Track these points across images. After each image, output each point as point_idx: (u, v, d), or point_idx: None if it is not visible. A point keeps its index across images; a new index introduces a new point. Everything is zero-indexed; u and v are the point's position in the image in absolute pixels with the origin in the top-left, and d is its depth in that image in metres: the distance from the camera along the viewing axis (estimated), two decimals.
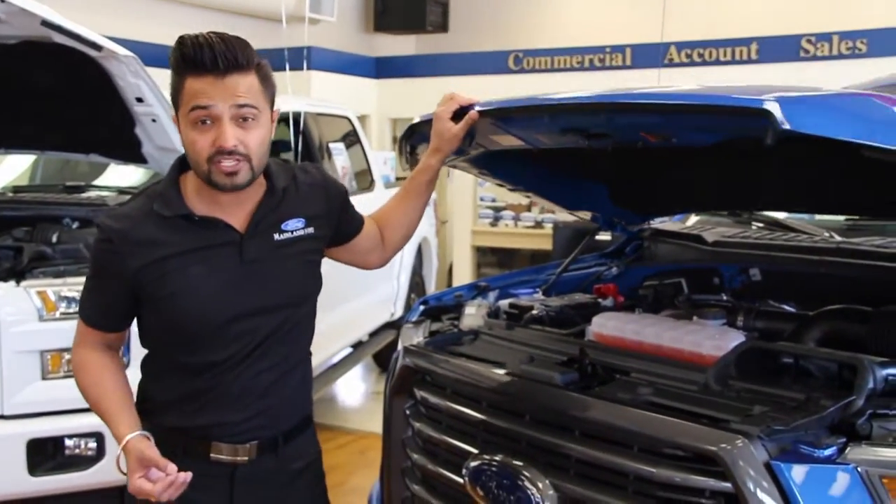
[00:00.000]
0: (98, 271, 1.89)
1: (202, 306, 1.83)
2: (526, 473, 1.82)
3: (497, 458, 1.89)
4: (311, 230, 1.97)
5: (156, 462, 1.75)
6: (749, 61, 8.23)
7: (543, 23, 10.60)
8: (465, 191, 10.29)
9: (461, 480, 1.96)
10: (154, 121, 3.65)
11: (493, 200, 10.69)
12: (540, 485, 1.80)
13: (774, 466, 1.50)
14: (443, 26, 11.23)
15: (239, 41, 1.78)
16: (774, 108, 1.46)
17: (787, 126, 1.45)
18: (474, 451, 1.96)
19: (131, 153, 3.90)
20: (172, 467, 1.75)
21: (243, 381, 1.88)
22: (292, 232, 1.94)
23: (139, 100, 3.56)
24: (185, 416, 1.89)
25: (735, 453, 1.52)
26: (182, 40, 1.76)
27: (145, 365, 1.98)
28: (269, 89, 1.84)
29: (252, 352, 1.88)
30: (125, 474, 1.79)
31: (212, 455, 1.89)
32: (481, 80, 9.62)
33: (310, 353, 2.05)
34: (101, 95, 3.58)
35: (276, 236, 1.91)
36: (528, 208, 11.00)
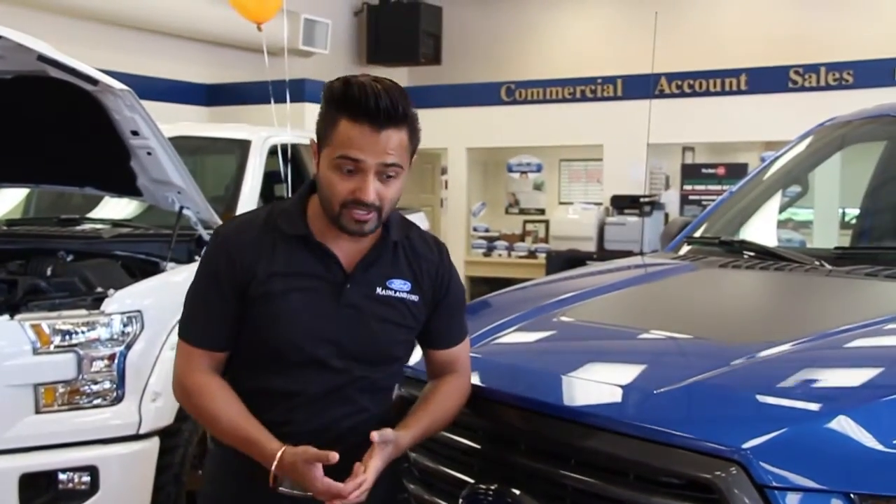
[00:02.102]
0: (209, 280, 1.85)
1: (295, 333, 1.82)
2: (522, 502, 1.82)
3: (493, 487, 1.89)
4: (415, 298, 1.91)
5: (323, 457, 1.71)
6: (738, 92, 8.32)
7: (535, 54, 10.72)
8: (459, 221, 10.33)
9: None
10: (149, 153, 3.66)
11: (487, 230, 10.73)
12: None
13: (769, 493, 1.51)
14: (435, 58, 11.33)
15: (400, 92, 1.77)
16: None
17: None
18: (470, 480, 1.96)
19: (126, 186, 3.91)
20: (334, 455, 1.71)
21: (318, 420, 1.84)
22: (395, 291, 1.89)
23: (135, 133, 3.57)
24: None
25: (730, 480, 1.53)
26: (349, 81, 1.74)
27: (239, 384, 1.91)
28: (415, 142, 1.84)
29: (329, 394, 1.85)
30: (294, 490, 1.77)
31: (280, 488, 1.80)
32: (474, 111, 9.70)
33: (388, 406, 1.99)
34: (96, 129, 3.59)
35: (380, 290, 1.87)
36: (522, 238, 11.04)
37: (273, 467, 1.75)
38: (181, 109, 9.23)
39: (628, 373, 1.90)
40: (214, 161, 5.06)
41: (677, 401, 1.69)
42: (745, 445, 1.55)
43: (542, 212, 11.48)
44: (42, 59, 3.25)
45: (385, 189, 1.78)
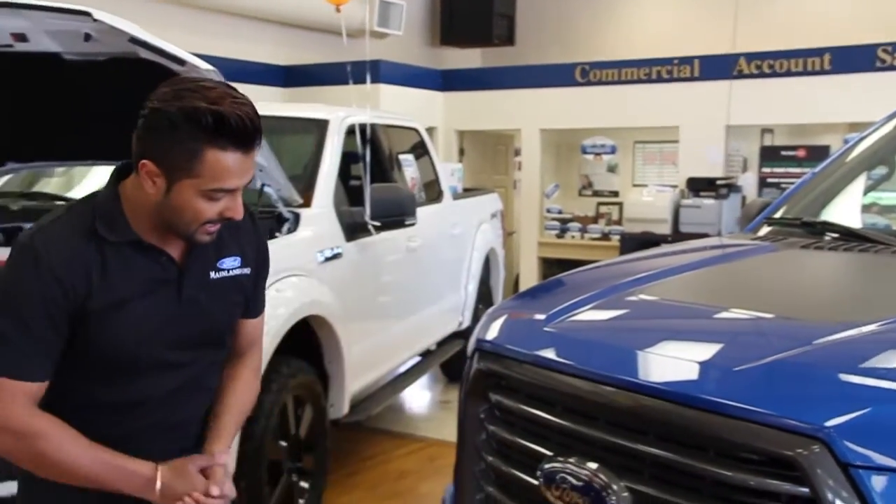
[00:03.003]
0: (29, 304, 1.67)
1: (141, 344, 1.77)
2: (601, 476, 1.85)
3: (571, 461, 1.92)
4: (247, 271, 1.93)
5: (195, 461, 1.86)
6: (822, 72, 8.11)
7: (611, 35, 10.61)
8: (532, 203, 10.31)
9: (536, 482, 1.99)
10: None
11: (560, 212, 10.69)
12: (615, 487, 1.82)
13: (853, 472, 1.51)
14: (509, 39, 11.29)
15: (252, 106, 1.71)
16: None
17: None
18: (549, 453, 1.99)
19: None
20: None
21: (176, 416, 1.89)
22: (228, 270, 1.89)
23: None
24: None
25: (813, 458, 1.53)
26: (220, 112, 1.63)
27: (54, 402, 1.77)
28: None
29: (183, 388, 1.87)
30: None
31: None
32: (548, 92, 9.65)
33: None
34: None
35: (213, 274, 1.87)
36: (595, 220, 10.97)
37: (158, 484, 1.78)
38: (258, 90, 9.39)
39: (709, 350, 1.91)
40: (292, 141, 5.15)
41: (759, 378, 1.69)
42: (829, 424, 1.54)
43: (615, 194, 11.38)
44: (133, 40, 3.36)
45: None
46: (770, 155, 8.95)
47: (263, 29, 9.90)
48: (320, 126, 4.92)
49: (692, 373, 1.81)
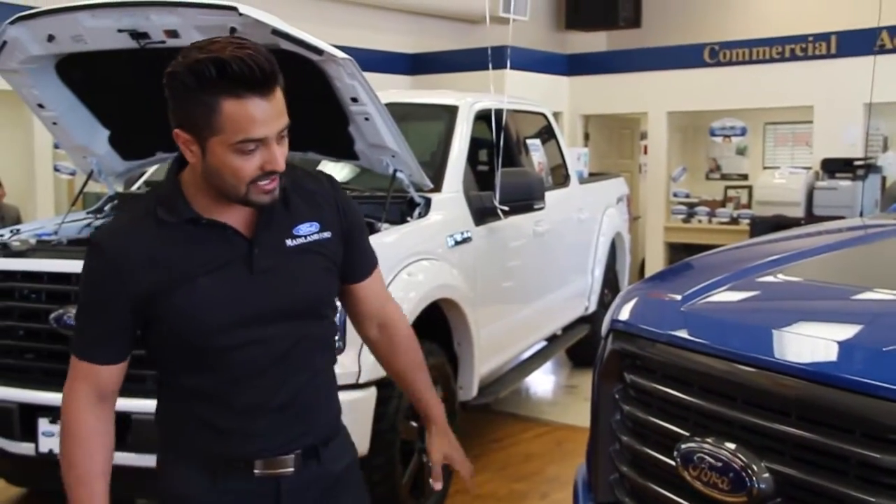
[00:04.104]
0: (94, 295, 1.75)
1: (214, 322, 1.72)
2: (740, 456, 1.84)
3: (709, 441, 1.92)
4: (327, 235, 1.84)
5: None
6: None
7: (740, 13, 10.32)
8: (658, 187, 10.16)
9: (672, 462, 2.00)
10: (367, 119, 3.88)
11: (687, 196, 10.50)
12: (755, 467, 1.81)
13: None
14: (635, 21, 11.15)
15: (258, 47, 1.65)
16: None
17: None
18: (685, 433, 1.99)
19: (344, 151, 4.16)
20: None
21: (281, 396, 1.80)
22: (306, 237, 1.81)
23: (354, 100, 3.79)
24: (221, 439, 1.80)
25: None
26: (219, 59, 1.59)
27: (163, 391, 1.87)
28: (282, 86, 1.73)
29: (278, 362, 1.78)
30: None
31: (256, 472, 1.81)
32: (675, 74, 9.48)
33: (335, 359, 1.99)
34: (318, 97, 3.83)
35: (290, 242, 1.79)
36: (723, 204, 10.73)
37: None
38: (386, 78, 9.57)
39: (852, 330, 1.88)
40: (421, 127, 5.25)
41: None
42: None
43: (744, 177, 11.10)
44: (276, 32, 3.51)
45: (283, 150, 1.70)
46: None
47: (390, 18, 10.08)
48: (450, 112, 5.00)
49: (836, 353, 1.79)
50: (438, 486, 2.15)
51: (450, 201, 4.51)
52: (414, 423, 4.04)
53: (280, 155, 1.68)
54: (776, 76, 8.76)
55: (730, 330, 2.08)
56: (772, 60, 8.81)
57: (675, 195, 10.44)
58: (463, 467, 2.21)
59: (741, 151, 11.24)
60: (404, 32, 10.14)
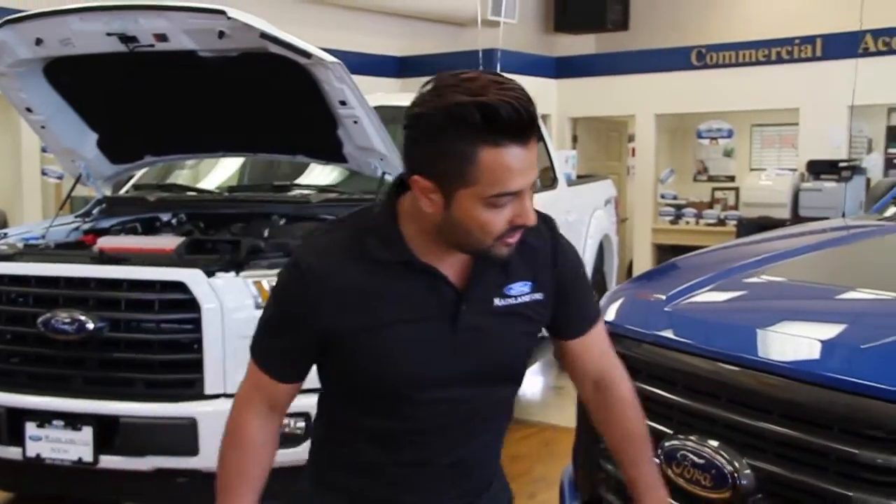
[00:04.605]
0: (286, 313, 1.62)
1: (405, 375, 1.58)
2: (722, 453, 1.87)
3: (692, 439, 1.95)
4: (538, 296, 1.66)
5: None
6: None
7: (727, 16, 10.38)
8: (646, 188, 10.22)
9: (656, 460, 2.03)
10: (355, 122, 3.90)
11: (675, 198, 10.55)
12: (737, 465, 1.85)
13: None
14: (623, 24, 11.18)
15: (522, 89, 1.46)
16: None
17: None
18: (669, 431, 2.02)
19: (333, 154, 4.18)
20: None
21: (456, 453, 1.67)
22: (516, 298, 1.63)
23: (342, 103, 3.81)
24: (379, 484, 1.68)
25: None
26: (486, 103, 1.40)
27: (327, 421, 1.74)
28: None
29: (463, 422, 1.65)
30: None
31: None
32: (663, 77, 9.53)
33: (509, 421, 1.82)
34: (307, 100, 3.85)
35: (497, 301, 1.61)
36: (711, 206, 10.78)
37: None
38: (374, 82, 9.59)
39: (832, 328, 1.91)
40: None
41: (886, 356, 1.69)
42: None
43: (731, 179, 11.16)
44: (264, 35, 3.52)
45: (532, 201, 1.52)
46: None
47: (378, 20, 10.09)
48: None
49: (816, 351, 1.82)
50: None
51: None
52: None
53: (531, 208, 1.51)
54: (762, 78, 8.82)
55: (713, 329, 2.11)
56: (758, 63, 8.88)
57: (663, 197, 10.50)
58: None
59: (728, 153, 11.31)
60: (393, 35, 10.16)
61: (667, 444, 2.00)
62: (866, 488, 1.63)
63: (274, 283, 1.66)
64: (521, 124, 1.43)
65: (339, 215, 1.73)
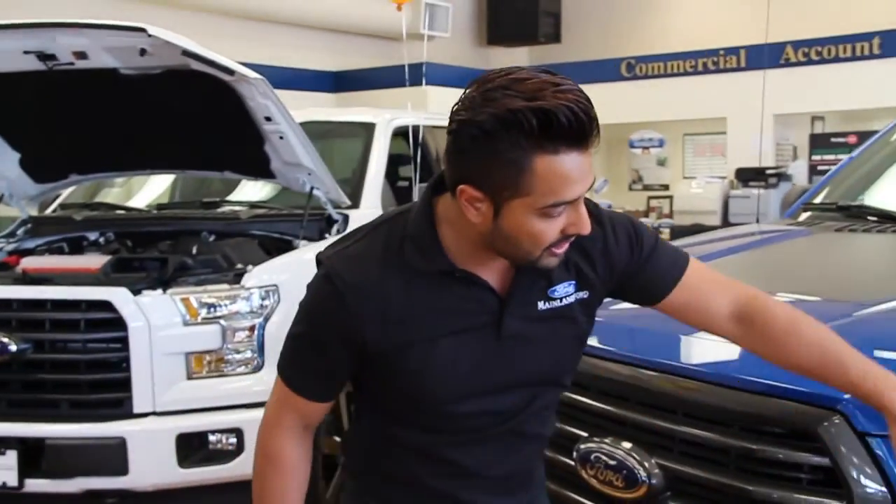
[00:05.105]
0: (320, 332, 1.49)
1: (449, 390, 1.50)
2: (634, 454, 1.93)
3: (606, 441, 2.00)
4: (583, 295, 1.55)
5: None
6: (870, 56, 8.02)
7: (655, 28, 10.58)
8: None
9: (571, 462, 2.08)
10: (281, 137, 3.91)
11: (609, 207, 10.70)
12: (647, 464, 1.90)
13: (869, 440, 1.58)
14: (555, 37, 11.36)
15: (580, 89, 1.33)
16: None
17: None
18: (584, 434, 2.07)
19: (261, 169, 4.18)
20: None
21: (506, 465, 1.60)
22: (561, 300, 1.52)
23: (268, 119, 3.82)
24: (426, 497, 1.60)
25: (832, 429, 1.60)
26: (544, 108, 1.28)
27: (365, 435, 1.63)
28: None
29: (510, 432, 1.57)
30: None
31: None
32: (594, 88, 9.65)
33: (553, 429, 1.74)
34: (232, 117, 3.85)
35: (541, 304, 1.51)
36: (646, 214, 10.97)
37: None
38: (310, 96, 9.60)
39: None
40: (342, 144, 5.29)
41: None
42: (846, 396, 1.61)
43: (665, 187, 11.38)
44: (186, 53, 3.52)
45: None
46: (820, 142, 8.89)
47: (314, 36, 10.12)
48: (367, 129, 5.05)
49: (718, 353, 1.89)
50: None
51: (368, 217, 4.49)
52: (337, 438, 4.06)
53: (587, 216, 1.39)
54: (690, 89, 9.03)
55: (623, 334, 2.17)
56: (685, 74, 9.09)
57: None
58: None
59: (662, 162, 11.53)
60: (329, 51, 10.19)
61: (581, 446, 2.05)
62: (766, 483, 1.70)
63: (303, 299, 1.53)
64: (582, 129, 1.31)
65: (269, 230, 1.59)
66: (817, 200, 3.24)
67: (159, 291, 3.44)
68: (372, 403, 1.60)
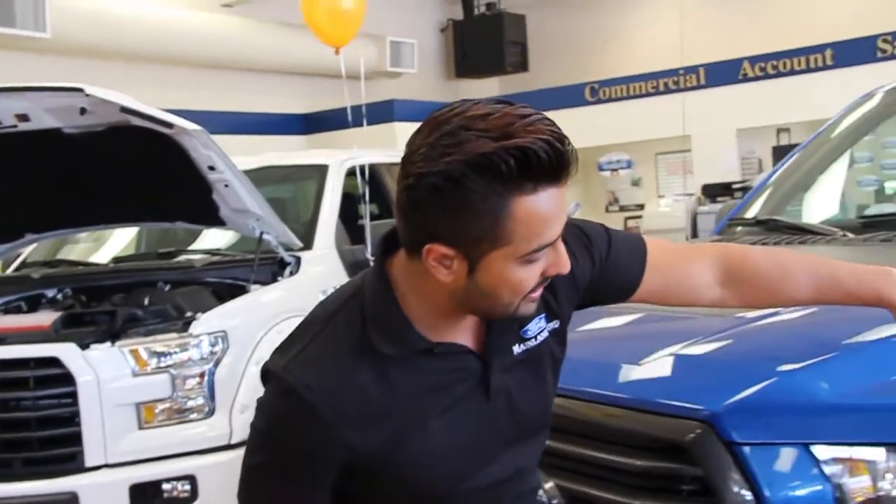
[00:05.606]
0: (289, 456, 1.29)
1: (453, 471, 1.35)
2: None
3: None
4: (555, 325, 1.44)
5: None
6: (824, 68, 8.16)
7: (615, 52, 10.75)
8: None
9: None
10: (226, 185, 3.99)
11: None
12: (546, 486, 1.96)
13: (735, 449, 1.64)
14: (523, 66, 11.52)
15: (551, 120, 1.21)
16: None
17: None
18: None
19: (211, 217, 4.26)
20: None
21: None
22: (535, 337, 1.40)
23: (211, 168, 3.91)
24: None
25: (698, 440, 1.66)
26: (521, 147, 1.14)
27: None
28: None
29: (515, 488, 1.46)
30: None
31: None
32: (560, 114, 9.79)
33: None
34: (179, 168, 3.94)
35: (517, 348, 1.38)
36: None
37: None
38: (280, 140, 9.72)
39: (619, 348, 2.06)
40: (299, 187, 5.38)
41: (655, 371, 1.84)
42: (712, 408, 1.68)
43: (641, 207, 11.48)
44: (124, 109, 3.62)
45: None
46: (783, 154, 8.96)
47: (282, 81, 10.26)
48: (321, 171, 5.14)
49: (602, 371, 1.96)
50: None
51: (322, 257, 4.62)
52: None
53: (566, 254, 1.28)
54: (653, 109, 9.16)
55: None
56: (647, 94, 9.23)
57: None
58: None
59: (636, 182, 11.65)
60: (296, 94, 10.33)
61: None
62: (650, 496, 1.76)
63: (255, 421, 1.32)
64: (561, 162, 1.18)
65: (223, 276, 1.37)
66: (749, 215, 3.31)
67: (108, 344, 3.51)
68: None
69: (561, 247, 1.26)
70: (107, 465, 3.43)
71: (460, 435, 1.34)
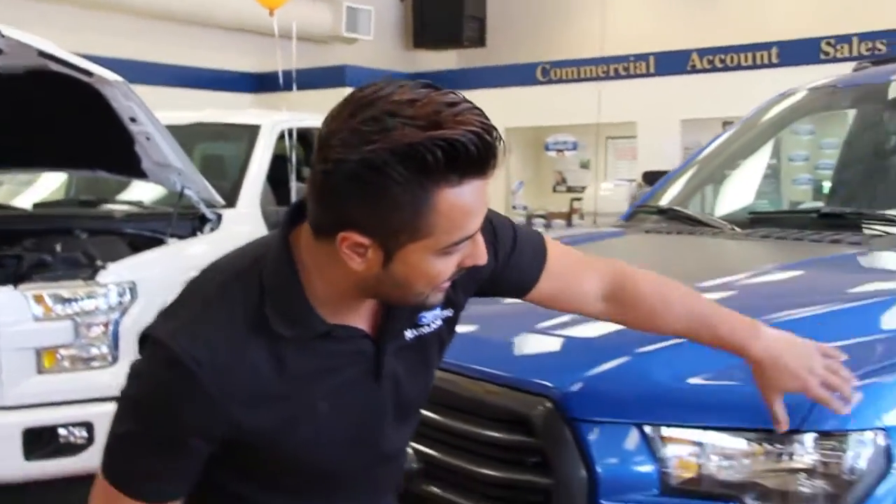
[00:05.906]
0: (167, 427, 1.23)
1: (341, 449, 1.36)
2: None
3: None
4: (448, 313, 1.44)
5: None
6: (770, 65, 8.28)
7: (570, 34, 10.78)
8: (498, 198, 10.51)
9: None
10: (148, 138, 3.97)
11: (525, 208, 10.89)
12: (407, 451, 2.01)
13: (576, 426, 1.70)
14: (480, 41, 11.51)
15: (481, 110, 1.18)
16: None
17: None
18: None
19: (133, 169, 4.24)
20: None
21: (381, 485, 1.51)
22: (429, 325, 1.41)
23: (133, 119, 3.88)
24: None
25: (541, 415, 1.72)
26: (449, 139, 1.11)
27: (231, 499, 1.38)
28: None
29: (389, 465, 1.49)
30: None
31: None
32: (512, 91, 9.85)
33: None
34: (101, 118, 3.91)
35: (409, 333, 1.38)
36: (569, 215, 11.16)
37: None
38: (228, 97, 9.63)
39: (487, 325, 2.09)
40: (232, 146, 5.36)
41: (510, 348, 1.89)
42: (558, 385, 1.73)
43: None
44: (42, 54, 3.57)
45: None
46: None
47: (233, 38, 10.13)
48: (252, 131, 5.13)
49: (463, 345, 1.99)
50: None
51: (245, 216, 4.63)
52: None
53: (483, 245, 1.27)
54: (602, 93, 9.21)
55: None
56: (597, 78, 9.28)
57: (514, 208, 10.84)
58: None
59: (585, 165, 11.73)
60: (247, 52, 10.21)
61: None
62: (494, 465, 1.81)
63: (128, 390, 1.25)
64: (489, 155, 1.15)
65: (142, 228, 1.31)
66: (658, 203, 3.38)
67: (10, 287, 3.48)
68: (237, 475, 1.34)
69: (479, 238, 1.25)
70: (1, 408, 3.42)
71: (348, 417, 1.33)
